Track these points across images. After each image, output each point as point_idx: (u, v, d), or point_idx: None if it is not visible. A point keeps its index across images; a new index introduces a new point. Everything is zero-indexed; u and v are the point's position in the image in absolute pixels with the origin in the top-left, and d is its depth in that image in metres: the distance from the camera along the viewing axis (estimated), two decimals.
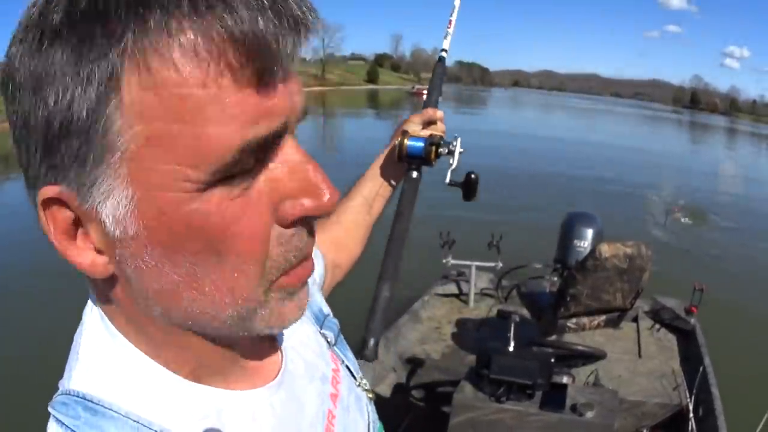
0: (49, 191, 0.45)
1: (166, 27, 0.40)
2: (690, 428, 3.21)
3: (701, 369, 3.59)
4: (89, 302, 0.56)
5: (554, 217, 4.05)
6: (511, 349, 2.80)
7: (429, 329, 4.57)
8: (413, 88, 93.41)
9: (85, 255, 0.48)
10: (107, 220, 0.45)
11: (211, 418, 0.54)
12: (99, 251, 0.48)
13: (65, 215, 0.46)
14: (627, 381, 3.59)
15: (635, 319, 4.35)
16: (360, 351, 1.17)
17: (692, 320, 4.25)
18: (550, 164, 19.03)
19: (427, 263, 5.76)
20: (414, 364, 4.02)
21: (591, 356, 3.24)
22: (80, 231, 0.47)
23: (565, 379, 2.97)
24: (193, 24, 0.41)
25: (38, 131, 0.43)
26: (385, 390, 3.75)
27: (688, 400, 3.36)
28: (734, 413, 3.40)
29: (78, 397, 0.51)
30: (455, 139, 1.13)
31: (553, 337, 3.43)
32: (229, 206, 0.46)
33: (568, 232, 3.62)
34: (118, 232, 0.46)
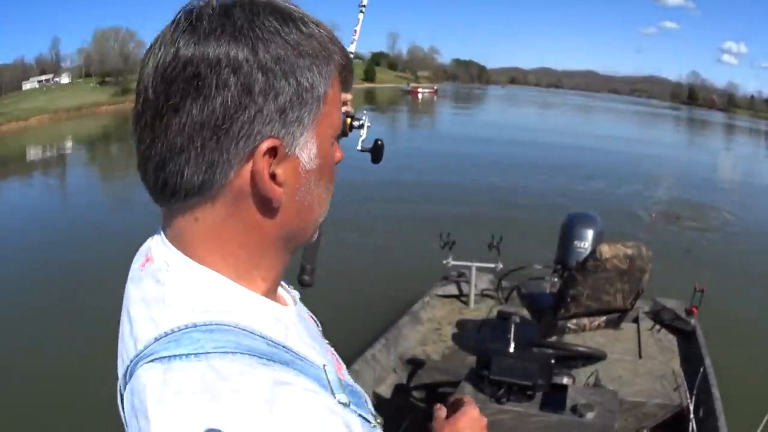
0: (271, 142, 0.66)
1: (336, 67, 0.72)
2: (690, 429, 3.21)
3: (702, 369, 3.58)
4: (158, 261, 0.72)
5: (554, 217, 4.05)
6: (511, 350, 2.80)
7: (429, 330, 4.57)
8: (408, 86, 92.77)
9: (277, 189, 0.68)
10: (305, 159, 0.70)
11: (280, 323, 0.72)
12: (279, 185, 0.69)
13: (269, 162, 0.67)
14: (627, 382, 3.58)
15: (635, 320, 4.34)
16: (298, 276, 1.45)
17: (692, 321, 4.24)
18: (548, 164, 18.98)
19: (427, 264, 5.77)
20: (414, 364, 4.03)
21: (591, 357, 3.25)
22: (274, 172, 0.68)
23: (565, 380, 2.97)
24: (344, 68, 0.74)
25: (278, 95, 0.66)
26: (386, 390, 3.76)
27: (689, 400, 3.36)
28: (735, 414, 3.41)
29: (186, 328, 0.63)
30: (364, 116, 1.47)
31: (554, 338, 3.43)
32: (337, 151, 0.78)
33: (569, 232, 3.62)
34: (309, 167, 0.71)
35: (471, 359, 3.49)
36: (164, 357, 0.61)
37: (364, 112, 1.41)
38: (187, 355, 0.61)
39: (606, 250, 3.12)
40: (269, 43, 0.65)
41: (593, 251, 3.19)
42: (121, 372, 0.70)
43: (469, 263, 4.92)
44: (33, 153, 28.76)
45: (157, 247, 0.74)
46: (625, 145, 29.23)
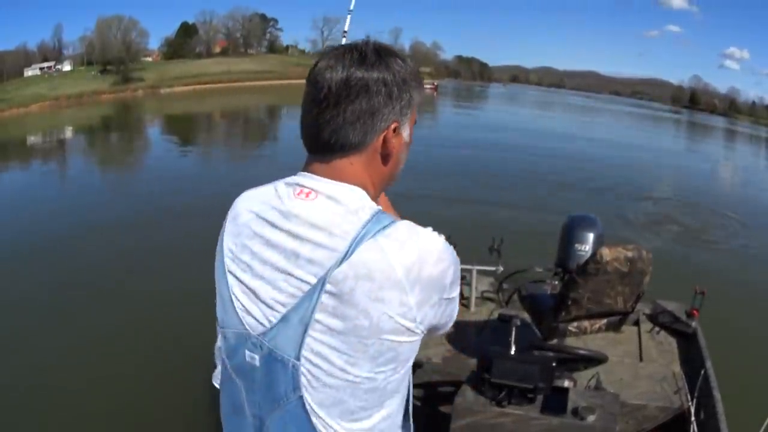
0: (396, 124, 1.24)
1: (421, 88, 1.33)
2: (691, 431, 3.21)
3: (702, 372, 3.57)
4: (337, 204, 1.22)
5: (555, 220, 4.04)
6: (512, 352, 2.80)
7: None
8: None
9: (393, 150, 1.27)
10: (404, 136, 1.28)
11: None
12: (393, 147, 1.28)
13: (392, 134, 1.24)
14: (628, 384, 3.57)
15: (636, 323, 4.32)
16: None
17: (693, 323, 4.22)
18: (549, 167, 18.92)
19: None
20: (414, 367, 3.99)
21: (592, 360, 3.24)
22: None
23: (566, 383, 2.97)
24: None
25: (401, 101, 1.24)
26: None
27: (690, 403, 3.36)
28: (735, 416, 3.40)
29: (376, 214, 1.21)
30: None
31: (554, 341, 3.43)
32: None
33: (569, 235, 3.60)
34: (405, 140, 1.29)
35: (472, 362, 3.48)
36: (377, 231, 1.17)
37: None
38: (390, 223, 1.19)
39: (607, 252, 3.12)
40: (399, 72, 1.24)
41: (594, 254, 3.19)
42: (321, 272, 1.17)
43: (469, 266, 4.87)
44: (33, 139, 28.78)
45: (314, 182, 1.25)
46: (626, 148, 29.19)
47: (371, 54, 1.23)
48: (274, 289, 1.23)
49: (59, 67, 72.80)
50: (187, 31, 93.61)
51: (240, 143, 26.36)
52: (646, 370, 3.77)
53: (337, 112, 1.20)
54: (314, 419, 1.26)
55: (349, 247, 1.16)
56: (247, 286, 1.27)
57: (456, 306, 1.33)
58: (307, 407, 1.24)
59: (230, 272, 1.30)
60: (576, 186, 15.56)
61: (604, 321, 3.46)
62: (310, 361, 1.20)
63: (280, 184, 1.29)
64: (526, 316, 3.75)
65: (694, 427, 3.21)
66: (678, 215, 12.96)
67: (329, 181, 1.24)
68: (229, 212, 1.36)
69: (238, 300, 1.28)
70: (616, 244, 3.18)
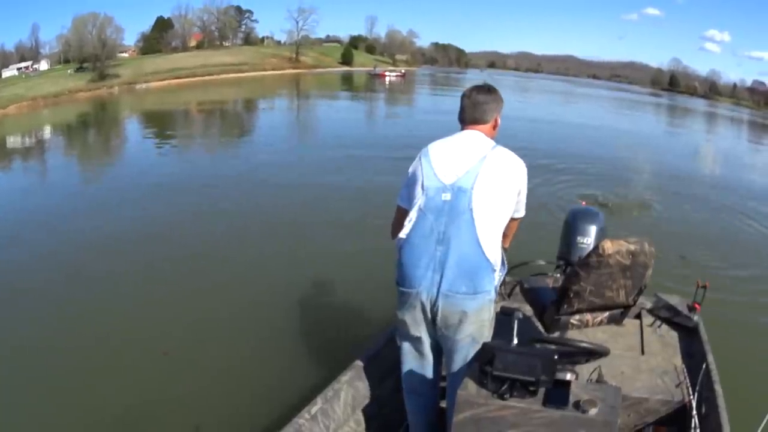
0: (497, 114, 3.10)
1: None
2: (693, 425, 3.21)
3: (704, 366, 3.57)
4: (481, 138, 2.99)
5: (557, 213, 4.02)
6: (514, 345, 2.78)
7: None
8: (375, 69, 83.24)
9: (497, 124, 3.18)
10: (499, 120, 3.16)
11: None
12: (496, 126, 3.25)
13: (497, 119, 3.12)
14: (630, 378, 3.57)
15: (638, 316, 4.31)
16: None
17: (695, 317, 4.21)
18: (545, 159, 18.68)
19: None
20: None
21: (594, 353, 3.22)
22: None
23: (568, 376, 2.94)
24: None
25: (499, 107, 3.11)
26: (387, 388, 3.71)
27: (691, 397, 3.36)
28: (737, 410, 3.38)
29: (495, 145, 2.95)
30: None
31: (556, 334, 3.42)
32: None
33: (572, 228, 3.60)
34: (499, 122, 3.23)
35: None
36: (499, 147, 2.91)
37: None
38: (501, 147, 2.92)
39: (609, 245, 3.12)
40: (498, 96, 3.10)
41: (596, 247, 3.18)
42: (482, 155, 2.84)
43: None
44: (12, 140, 28.48)
45: (470, 131, 3.00)
46: (616, 132, 29.15)
47: (486, 88, 3.05)
48: (459, 163, 2.80)
49: (36, 66, 72.04)
50: (162, 25, 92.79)
51: (222, 136, 26.18)
52: (648, 364, 3.76)
53: (484, 103, 3.00)
54: (476, 223, 2.66)
55: (492, 149, 2.85)
56: (444, 166, 2.81)
57: (523, 205, 3.02)
58: (474, 215, 2.67)
59: (434, 164, 2.83)
60: (575, 177, 15.25)
61: (606, 314, 3.45)
62: (478, 189, 2.71)
63: (452, 136, 2.98)
64: (528, 309, 3.74)
65: (695, 420, 3.21)
66: (680, 208, 12.86)
67: (476, 132, 2.97)
68: (424, 150, 2.95)
69: (440, 172, 2.79)
70: (619, 237, 3.17)
